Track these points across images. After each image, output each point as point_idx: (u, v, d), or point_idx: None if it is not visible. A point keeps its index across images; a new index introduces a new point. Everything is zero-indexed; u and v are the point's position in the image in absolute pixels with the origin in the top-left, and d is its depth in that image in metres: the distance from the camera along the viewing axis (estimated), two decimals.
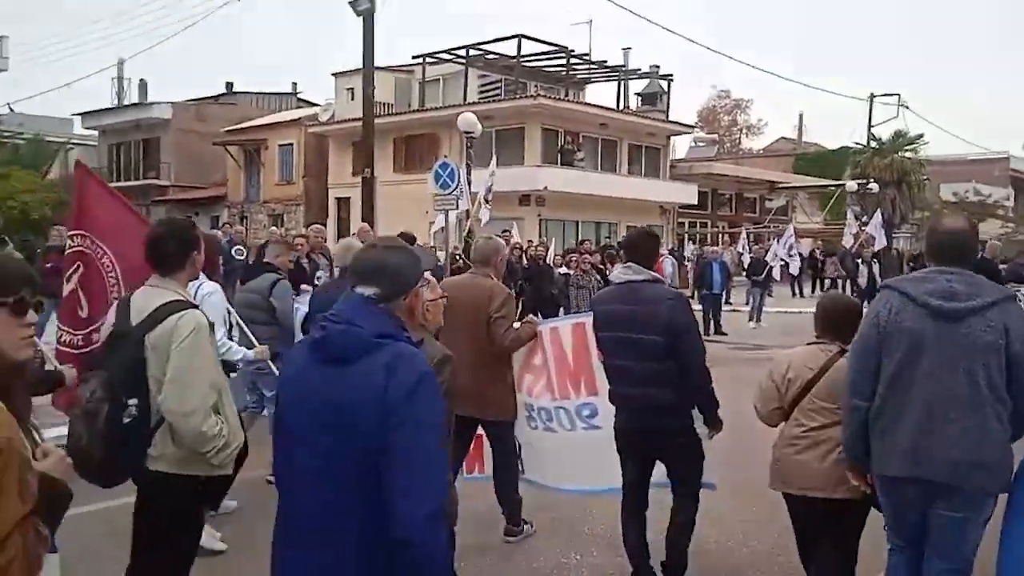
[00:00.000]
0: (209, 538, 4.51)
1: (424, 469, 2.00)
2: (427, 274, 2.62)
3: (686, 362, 4.02)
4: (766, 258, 18.80)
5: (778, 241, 18.70)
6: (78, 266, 4.82)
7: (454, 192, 11.43)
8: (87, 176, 5.12)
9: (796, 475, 3.66)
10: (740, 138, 63.48)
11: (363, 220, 16.15)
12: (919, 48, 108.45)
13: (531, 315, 7.02)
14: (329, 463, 2.06)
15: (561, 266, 14.57)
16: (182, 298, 3.29)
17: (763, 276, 17.76)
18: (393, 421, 1.99)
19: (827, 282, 27.40)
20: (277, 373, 5.47)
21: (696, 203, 33.69)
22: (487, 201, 13.03)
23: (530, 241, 16.31)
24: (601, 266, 15.62)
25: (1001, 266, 12.61)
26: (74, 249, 4.85)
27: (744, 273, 20.01)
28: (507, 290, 4.93)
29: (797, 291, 27.17)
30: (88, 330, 4.73)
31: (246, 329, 5.41)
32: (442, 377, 2.53)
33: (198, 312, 3.26)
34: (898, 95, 32.57)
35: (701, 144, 53.42)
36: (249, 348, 5.36)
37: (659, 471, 4.33)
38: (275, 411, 2.33)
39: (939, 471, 3.12)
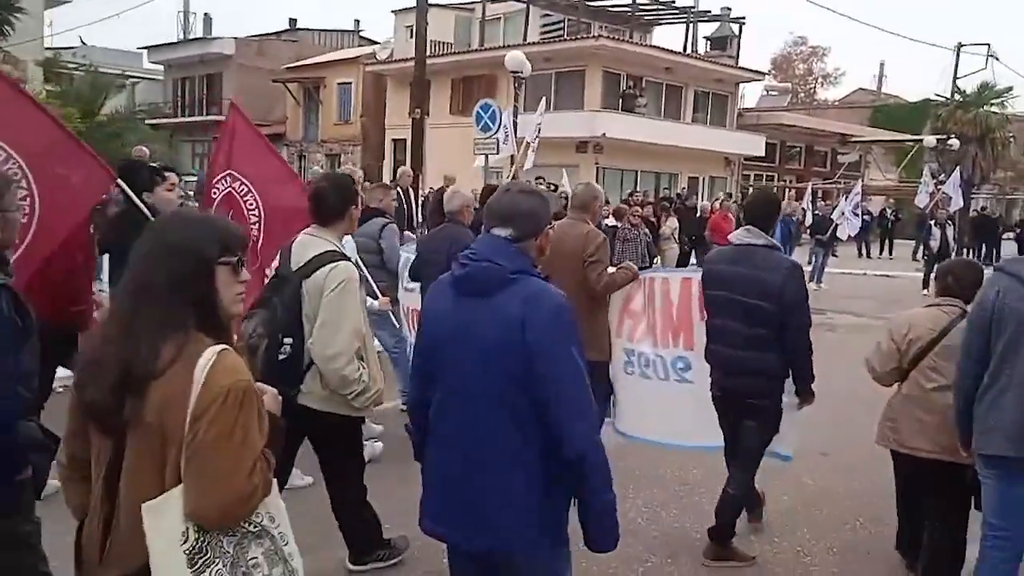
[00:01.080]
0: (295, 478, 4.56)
1: (578, 390, 2.26)
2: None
3: (791, 333, 4.05)
4: (832, 216, 17.80)
5: (846, 198, 17.60)
6: (229, 212, 4.85)
7: (495, 135, 10.85)
8: (239, 118, 5.21)
9: (908, 434, 3.81)
10: (815, 88, 60.87)
11: (412, 163, 15.72)
12: None
13: (629, 261, 7.15)
14: (474, 385, 2.30)
15: (608, 217, 13.95)
16: (336, 248, 3.54)
17: (828, 235, 16.80)
18: (538, 350, 2.22)
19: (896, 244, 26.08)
20: (396, 324, 6.00)
21: (763, 155, 32.31)
22: (532, 146, 12.39)
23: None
24: (653, 219, 14.97)
25: None
26: (225, 191, 4.93)
27: (808, 231, 19.06)
28: (602, 235, 5.03)
29: (864, 252, 26.02)
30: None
31: (370, 279, 5.35)
32: None
33: (349, 264, 3.53)
34: (987, 45, 30.59)
35: (773, 93, 51.23)
36: (373, 298, 5.38)
37: (716, 432, 4.43)
38: (415, 340, 2.55)
39: None
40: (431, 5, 33.64)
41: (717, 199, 19.24)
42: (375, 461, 5.12)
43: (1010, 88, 26.51)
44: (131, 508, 1.79)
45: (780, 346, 4.05)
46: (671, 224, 15.30)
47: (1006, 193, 37.31)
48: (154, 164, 6.39)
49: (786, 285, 3.99)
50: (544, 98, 12.75)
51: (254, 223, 4.98)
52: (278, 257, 3.71)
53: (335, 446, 3.76)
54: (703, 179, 31.25)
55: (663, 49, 29.58)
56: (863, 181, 36.04)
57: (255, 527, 1.85)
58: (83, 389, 1.87)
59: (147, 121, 32.59)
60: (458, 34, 31.95)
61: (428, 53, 26.99)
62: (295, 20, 46.57)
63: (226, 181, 4.95)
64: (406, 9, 32.72)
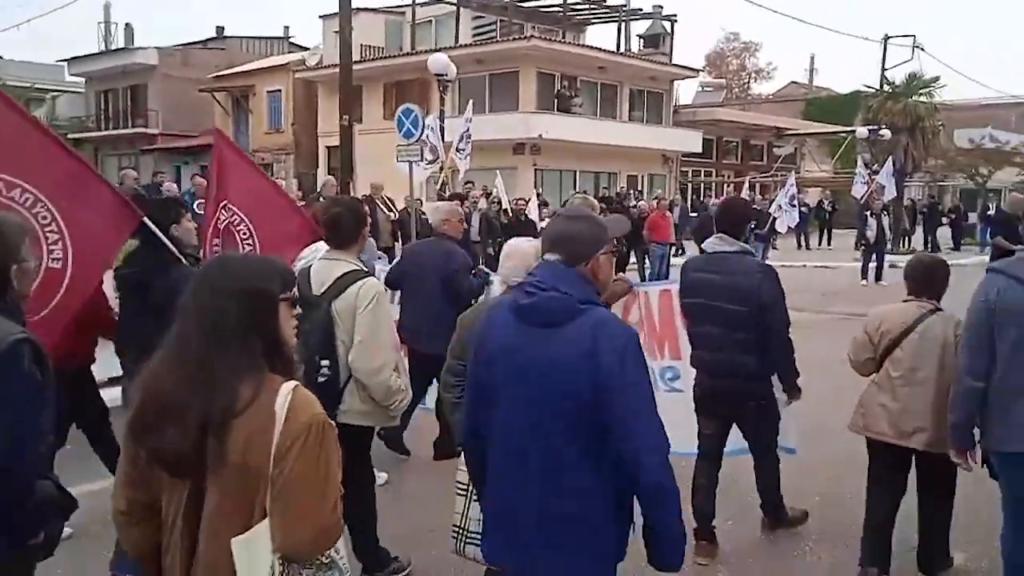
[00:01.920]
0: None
1: (651, 421, 2.26)
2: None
3: (771, 333, 4.16)
4: (770, 209, 17.71)
5: (783, 191, 17.52)
6: (216, 243, 4.80)
7: (420, 141, 10.36)
8: (224, 144, 5.11)
9: (872, 419, 4.01)
10: (749, 83, 61.58)
11: (342, 171, 15.12)
12: None
13: (622, 273, 7.21)
14: (544, 417, 2.28)
15: (545, 219, 13.54)
16: (358, 267, 3.68)
17: (766, 229, 16.66)
18: (611, 383, 2.20)
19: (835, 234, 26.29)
20: None
21: (700, 151, 32.35)
22: (462, 151, 11.90)
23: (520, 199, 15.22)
24: None
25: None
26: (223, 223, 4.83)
27: None
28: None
29: (804, 243, 26.14)
30: None
31: None
32: None
33: (375, 280, 3.69)
34: (913, 36, 31.05)
35: (708, 89, 51.74)
36: None
37: (735, 438, 4.53)
38: (475, 370, 2.49)
39: None
40: (360, 9, 33.14)
41: (656, 197, 19.00)
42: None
43: (937, 78, 26.85)
44: (218, 544, 1.82)
45: (760, 348, 4.17)
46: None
47: (937, 180, 37.98)
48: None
49: (761, 287, 4.12)
50: (472, 101, 12.22)
51: (249, 248, 4.91)
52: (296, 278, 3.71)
53: (357, 458, 3.72)
54: (642, 177, 31.15)
55: (596, 48, 29.41)
56: (799, 173, 36.59)
57: (327, 558, 1.91)
58: (155, 435, 1.86)
59: (70, 136, 31.21)
60: (389, 38, 31.35)
61: (359, 58, 26.74)
62: (222, 28, 45.34)
63: (224, 214, 4.85)
64: (335, 14, 32.08)
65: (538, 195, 18.04)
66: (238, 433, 1.81)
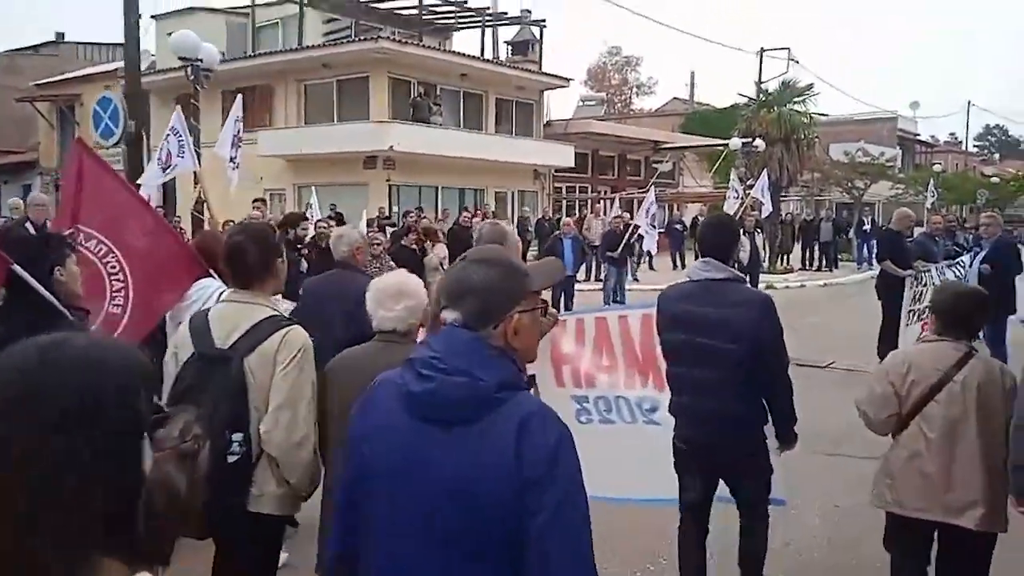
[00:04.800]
0: None
1: (582, 549, 1.73)
2: None
3: (772, 374, 3.74)
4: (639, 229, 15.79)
5: (646, 213, 15.55)
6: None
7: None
8: (87, 156, 4.54)
9: (911, 494, 3.45)
10: (631, 98, 60.98)
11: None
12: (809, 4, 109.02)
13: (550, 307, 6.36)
14: (444, 538, 1.72)
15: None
16: (276, 313, 3.06)
17: (619, 251, 14.61)
18: (538, 498, 1.67)
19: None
20: None
21: (575, 166, 30.52)
22: (233, 160, 9.31)
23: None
24: (414, 246, 12.24)
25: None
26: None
27: (595, 249, 17.10)
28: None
29: (680, 263, 24.60)
30: None
31: None
32: None
33: (301, 329, 3.04)
34: (788, 49, 30.41)
35: (590, 104, 50.73)
36: None
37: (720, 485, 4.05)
38: (348, 483, 1.95)
39: None
40: (198, 9, 30.04)
41: (522, 215, 16.82)
42: None
43: (811, 85, 26.19)
44: None
45: (752, 392, 3.72)
46: (438, 252, 12.50)
47: (814, 195, 37.67)
48: None
49: (763, 323, 3.65)
50: (240, 96, 9.59)
51: (119, 290, 4.31)
52: (187, 335, 3.02)
53: (259, 553, 3.09)
54: (511, 193, 29.07)
55: (456, 53, 27.23)
56: (677, 189, 35.40)
57: None
58: None
59: None
60: (231, 41, 28.29)
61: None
62: (63, 34, 41.42)
63: (82, 239, 4.20)
64: (169, 14, 28.91)
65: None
66: None
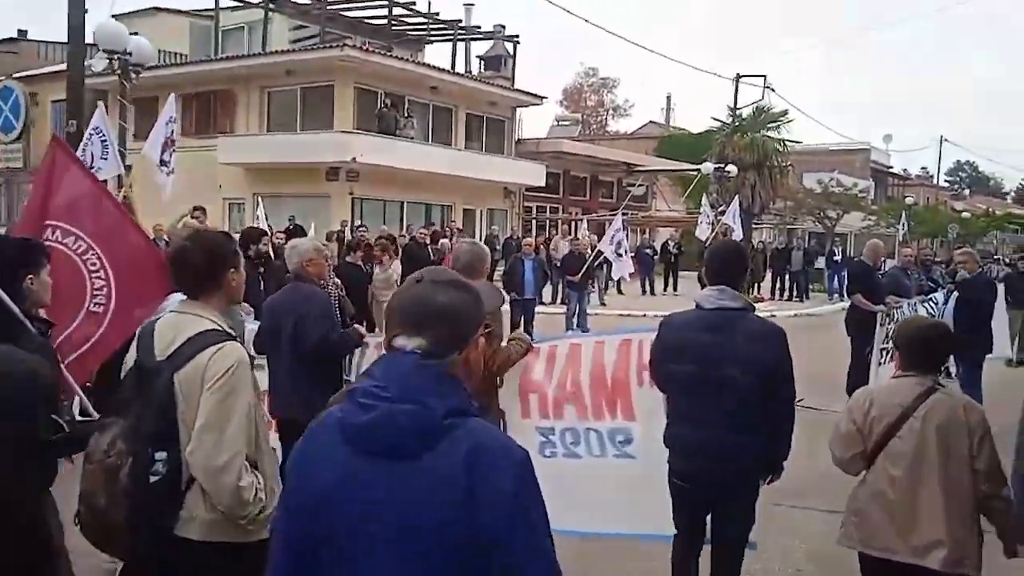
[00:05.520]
0: None
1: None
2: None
3: (778, 403, 3.63)
4: (592, 255, 15.14)
5: (611, 239, 14.90)
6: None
7: (20, 140, 6.93)
8: (62, 153, 4.54)
9: (876, 533, 3.37)
10: (607, 120, 60.76)
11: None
12: (784, 30, 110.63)
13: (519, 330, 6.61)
14: (394, 570, 1.60)
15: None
16: (217, 327, 2.78)
17: (579, 276, 13.91)
18: (495, 535, 1.56)
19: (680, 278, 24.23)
20: None
21: (546, 185, 29.93)
22: (165, 164, 8.49)
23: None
24: (359, 262, 11.40)
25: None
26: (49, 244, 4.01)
27: (557, 271, 16.44)
28: (496, 300, 4.67)
29: (648, 288, 23.98)
30: None
31: None
32: None
33: (237, 345, 2.79)
34: (764, 76, 30.25)
35: (565, 123, 50.34)
36: None
37: None
38: (284, 510, 1.76)
39: None
40: (160, 9, 29.20)
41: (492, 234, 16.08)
42: None
43: (785, 112, 25.86)
44: None
45: (757, 424, 3.60)
46: (395, 268, 11.67)
47: (787, 223, 37.41)
48: None
49: (781, 356, 3.60)
50: (173, 95, 8.80)
51: (100, 287, 4.25)
52: (135, 340, 2.87)
53: None
54: (480, 211, 28.38)
55: (426, 65, 26.58)
56: (649, 212, 34.90)
57: None
58: None
59: None
60: (194, 44, 27.46)
61: (160, 63, 23.15)
62: (25, 31, 40.09)
63: (49, 234, 4.15)
64: (131, 13, 27.96)
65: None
66: None
